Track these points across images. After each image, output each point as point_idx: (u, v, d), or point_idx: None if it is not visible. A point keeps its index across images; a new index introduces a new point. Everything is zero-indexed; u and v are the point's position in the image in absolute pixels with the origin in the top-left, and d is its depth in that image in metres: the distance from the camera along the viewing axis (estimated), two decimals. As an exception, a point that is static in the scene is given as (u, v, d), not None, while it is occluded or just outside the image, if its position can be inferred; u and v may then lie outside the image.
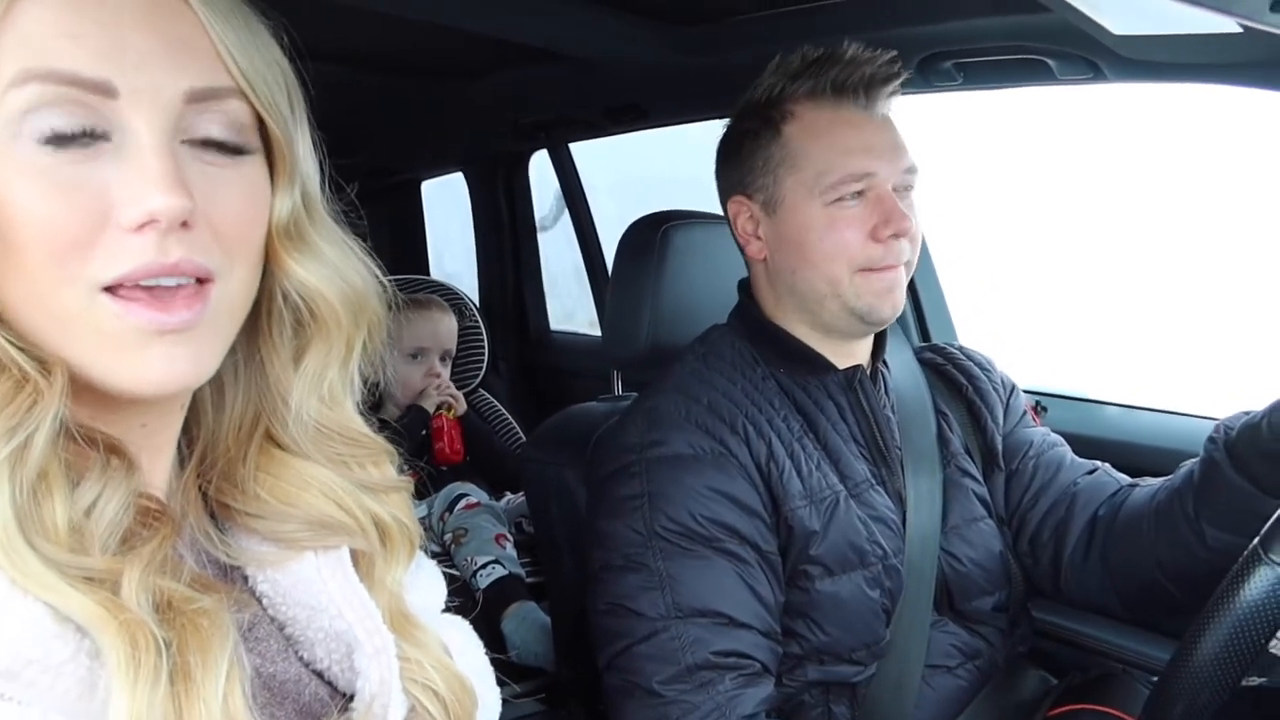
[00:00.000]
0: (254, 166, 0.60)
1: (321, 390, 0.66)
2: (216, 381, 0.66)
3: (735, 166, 1.24)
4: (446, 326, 2.33)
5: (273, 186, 0.61)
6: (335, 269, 0.64)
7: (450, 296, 2.54)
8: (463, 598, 1.79)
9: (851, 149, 1.16)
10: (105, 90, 0.53)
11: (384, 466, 0.70)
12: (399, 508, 0.70)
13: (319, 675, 0.66)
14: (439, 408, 2.24)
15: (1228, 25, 0.99)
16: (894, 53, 1.18)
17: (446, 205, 3.16)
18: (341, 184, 0.68)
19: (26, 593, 0.50)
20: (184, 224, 0.54)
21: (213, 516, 0.66)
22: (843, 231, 1.15)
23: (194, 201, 0.54)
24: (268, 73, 0.60)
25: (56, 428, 0.53)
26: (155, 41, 0.55)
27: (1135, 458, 1.46)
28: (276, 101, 0.60)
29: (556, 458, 1.46)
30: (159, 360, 0.55)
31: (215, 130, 0.57)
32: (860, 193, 1.15)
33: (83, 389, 0.55)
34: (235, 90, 0.58)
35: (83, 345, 0.54)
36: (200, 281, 0.56)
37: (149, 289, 0.54)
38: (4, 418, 0.51)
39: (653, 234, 1.44)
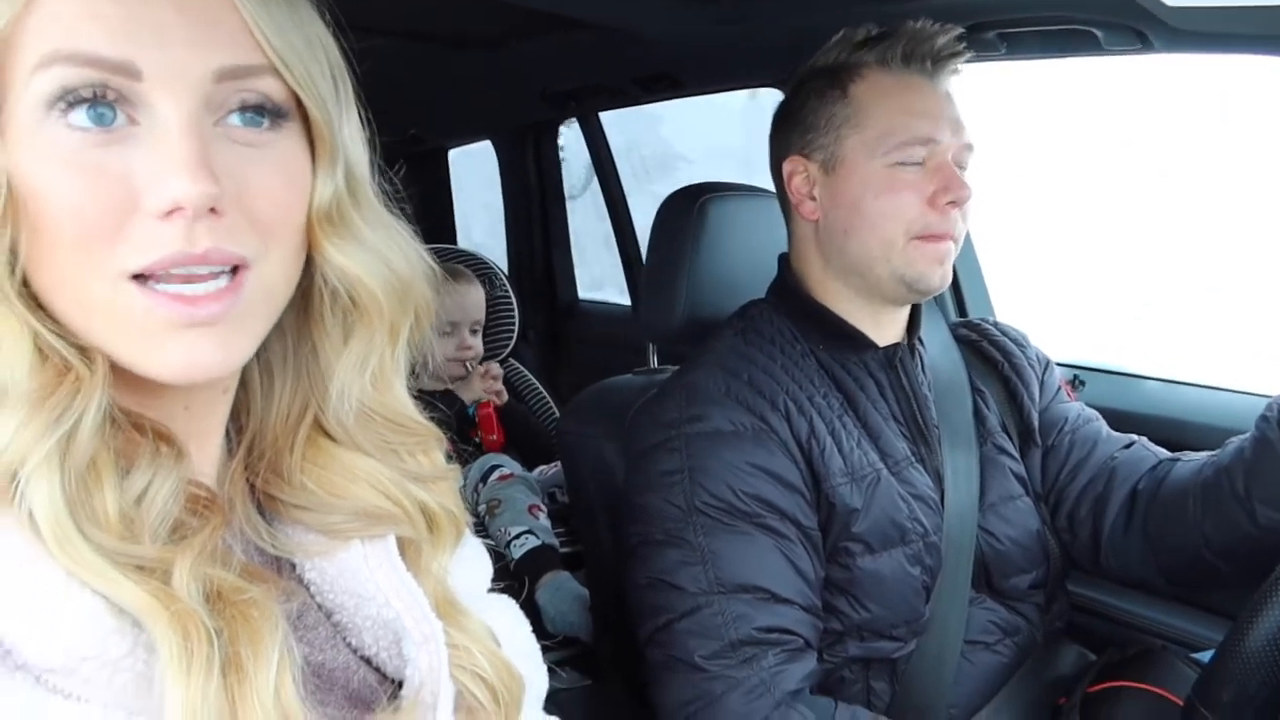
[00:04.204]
0: (291, 145, 0.57)
1: (365, 377, 0.64)
2: (267, 368, 0.65)
3: (794, 126, 1.24)
4: (474, 299, 2.30)
5: (314, 168, 0.59)
6: (378, 254, 0.62)
7: (480, 266, 2.53)
8: (508, 578, 1.78)
9: (918, 113, 1.17)
10: (128, 71, 0.51)
11: (433, 454, 0.69)
12: (446, 495, 0.69)
13: (367, 662, 0.66)
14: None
15: (1287, -4, 0.97)
16: (961, 29, 1.19)
17: (467, 173, 3.15)
18: (383, 166, 0.66)
19: (83, 586, 0.50)
20: (212, 210, 0.52)
21: (259, 509, 0.65)
22: (901, 193, 1.16)
23: (220, 187, 0.52)
24: (305, 50, 0.57)
25: (102, 415, 0.53)
26: (178, 19, 0.53)
27: (1177, 433, 1.44)
28: (314, 79, 0.58)
29: (593, 430, 1.46)
30: (184, 351, 0.54)
31: (250, 98, 0.55)
32: (921, 161, 1.16)
33: (123, 373, 0.55)
34: (268, 68, 0.55)
35: (110, 332, 0.53)
36: (235, 270, 0.54)
37: (181, 276, 0.53)
38: (48, 408, 0.51)
39: (690, 206, 1.43)
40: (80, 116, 0.51)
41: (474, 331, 2.29)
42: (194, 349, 0.54)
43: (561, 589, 1.86)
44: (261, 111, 0.56)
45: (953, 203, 1.15)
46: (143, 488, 0.54)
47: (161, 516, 0.54)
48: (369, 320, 0.63)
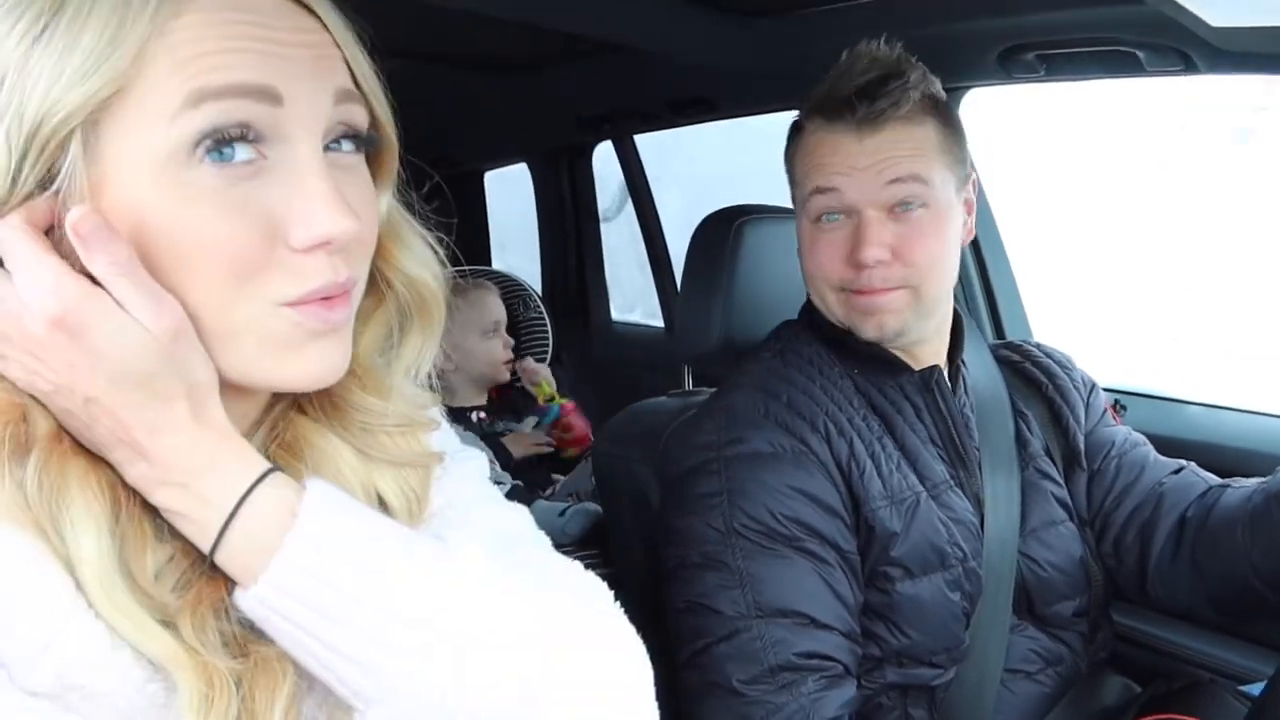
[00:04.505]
0: (365, 167, 0.61)
1: (411, 371, 0.67)
2: None
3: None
4: (498, 299, 2.40)
5: (377, 185, 0.63)
6: (427, 258, 0.66)
7: (515, 288, 2.55)
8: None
9: (824, 165, 1.14)
10: (273, 97, 0.53)
11: (419, 437, 0.67)
12: (414, 480, 0.66)
13: None
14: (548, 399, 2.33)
15: (1335, 17, 0.95)
16: (898, 68, 1.12)
17: (500, 196, 3.18)
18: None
19: (113, 632, 0.52)
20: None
21: None
22: (821, 251, 1.17)
23: (358, 220, 0.55)
24: (375, 77, 0.61)
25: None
26: (303, 49, 0.55)
27: (1222, 460, 1.42)
28: (385, 106, 0.62)
29: (628, 452, 1.46)
30: (323, 357, 0.58)
31: (347, 126, 0.58)
32: (844, 213, 1.14)
33: None
34: (360, 95, 0.59)
35: (250, 351, 0.56)
36: None
37: (323, 296, 0.56)
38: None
39: (726, 229, 1.43)
40: (216, 153, 0.53)
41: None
42: (327, 354, 0.58)
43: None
44: (352, 137, 0.59)
45: (862, 262, 1.12)
46: (173, 551, 0.56)
47: (180, 569, 0.56)
48: (428, 318, 0.67)
